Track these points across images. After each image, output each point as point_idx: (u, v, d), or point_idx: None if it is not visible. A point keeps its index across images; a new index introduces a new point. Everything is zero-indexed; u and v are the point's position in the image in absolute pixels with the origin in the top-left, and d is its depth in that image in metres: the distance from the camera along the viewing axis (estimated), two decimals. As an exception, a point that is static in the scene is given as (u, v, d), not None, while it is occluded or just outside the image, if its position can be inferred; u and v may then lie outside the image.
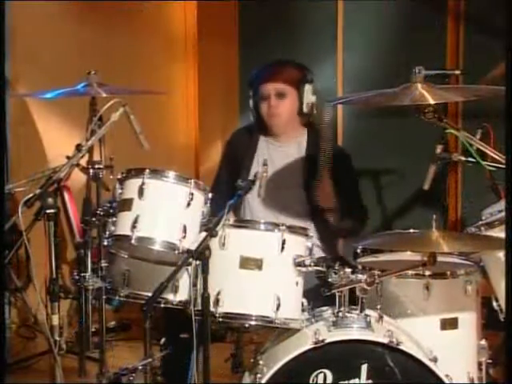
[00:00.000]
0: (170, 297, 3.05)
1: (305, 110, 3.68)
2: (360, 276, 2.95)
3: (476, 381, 3.21)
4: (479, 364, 3.23)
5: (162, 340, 3.47)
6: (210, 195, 3.08)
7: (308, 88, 3.67)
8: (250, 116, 3.79)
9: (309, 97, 3.67)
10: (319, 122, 3.73)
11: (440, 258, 2.95)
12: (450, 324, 3.17)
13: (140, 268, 3.12)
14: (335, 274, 2.98)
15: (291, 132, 3.75)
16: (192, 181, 3.04)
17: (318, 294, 3.10)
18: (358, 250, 3.39)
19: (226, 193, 3.40)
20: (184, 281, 3.00)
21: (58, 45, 5.33)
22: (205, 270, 2.78)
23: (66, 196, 4.45)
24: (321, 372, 2.83)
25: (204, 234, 2.88)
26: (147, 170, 3.02)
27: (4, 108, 2.94)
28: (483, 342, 3.25)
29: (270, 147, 3.75)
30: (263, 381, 2.82)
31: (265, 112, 3.68)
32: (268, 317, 2.93)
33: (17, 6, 5.15)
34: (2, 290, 2.85)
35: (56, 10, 5.40)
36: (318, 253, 3.49)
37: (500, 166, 2.96)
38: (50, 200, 2.86)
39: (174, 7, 6.17)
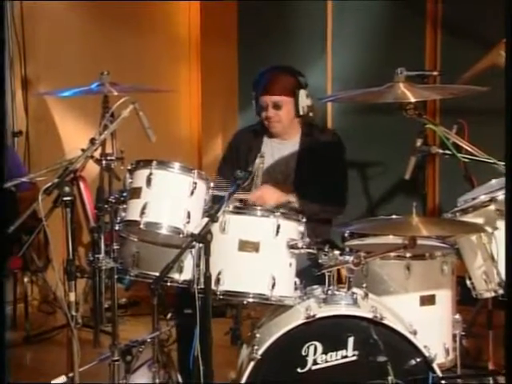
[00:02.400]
0: (176, 276, 3.05)
1: (301, 112, 3.67)
2: (347, 257, 2.96)
3: (451, 351, 3.23)
4: (454, 336, 3.24)
5: (169, 315, 3.48)
6: (211, 184, 3.09)
7: (302, 93, 3.65)
8: (248, 113, 3.79)
9: (304, 101, 3.66)
10: (313, 118, 3.74)
11: (419, 241, 2.96)
12: (428, 300, 3.19)
13: (148, 250, 3.12)
14: (325, 255, 2.98)
15: (290, 132, 3.75)
16: (195, 171, 3.03)
17: (309, 274, 3.11)
18: (346, 234, 3.41)
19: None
20: (188, 262, 3.01)
21: (74, 48, 5.33)
22: (207, 252, 2.78)
23: (82, 185, 4.45)
24: (312, 344, 2.84)
25: (206, 219, 2.88)
26: (154, 162, 3.02)
27: (4, 109, 2.91)
28: (457, 316, 3.26)
29: (272, 145, 3.75)
30: (260, 352, 2.83)
31: (264, 119, 3.70)
32: (264, 294, 2.93)
33: (38, 16, 5.16)
34: (3, 289, 2.81)
35: (72, 17, 5.40)
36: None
37: (473, 157, 2.97)
38: (67, 188, 2.86)
39: (178, 12, 6.15)
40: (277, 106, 3.66)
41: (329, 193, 3.60)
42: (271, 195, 3.52)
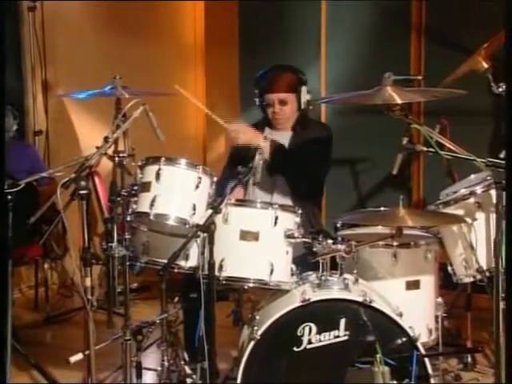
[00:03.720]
0: (182, 263, 3.05)
1: (302, 106, 3.67)
2: (339, 246, 2.96)
3: (433, 331, 3.23)
4: (436, 317, 3.25)
5: (176, 299, 3.48)
6: (214, 179, 3.08)
7: (304, 89, 3.66)
8: (249, 112, 3.79)
9: (305, 96, 3.66)
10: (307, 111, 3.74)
11: (405, 231, 2.96)
12: (413, 285, 3.19)
13: (157, 239, 3.12)
14: (319, 244, 2.99)
15: (291, 123, 3.73)
16: (200, 167, 3.03)
17: (304, 261, 3.12)
18: (338, 225, 3.40)
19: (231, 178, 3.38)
20: (193, 250, 3.01)
21: (89, 55, 5.31)
22: (211, 241, 2.78)
23: (96, 180, 4.45)
24: (307, 325, 2.84)
25: (210, 211, 2.87)
26: (163, 158, 3.01)
27: (4, 110, 2.89)
28: (439, 299, 3.26)
29: (272, 134, 3.70)
30: (259, 332, 2.83)
31: (270, 115, 3.69)
32: (263, 280, 2.93)
33: (57, 26, 5.16)
34: (6, 289, 2.85)
35: (87, 27, 5.40)
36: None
37: (455, 155, 2.96)
38: (83, 183, 2.85)
39: (185, 21, 6.15)
40: (282, 103, 3.65)
41: (310, 171, 3.56)
42: (247, 132, 3.53)
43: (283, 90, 3.64)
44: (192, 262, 3.04)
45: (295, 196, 3.55)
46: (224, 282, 2.92)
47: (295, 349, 2.83)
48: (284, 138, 3.70)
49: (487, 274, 3.07)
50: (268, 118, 3.72)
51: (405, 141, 3.01)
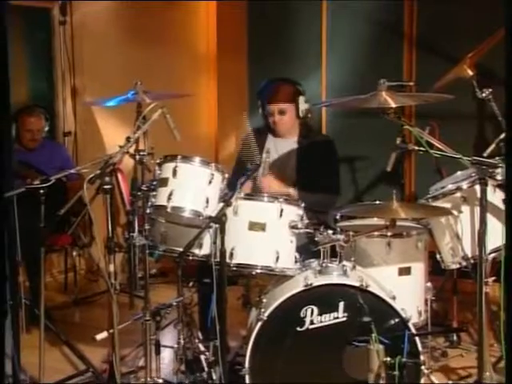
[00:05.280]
0: (196, 251, 3.04)
1: (301, 115, 3.64)
2: (339, 236, 2.95)
3: (423, 313, 3.21)
4: (426, 300, 3.23)
5: (191, 283, 3.47)
6: (226, 175, 3.07)
7: (301, 99, 3.63)
8: (256, 115, 3.77)
9: (303, 105, 3.63)
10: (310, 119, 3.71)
11: (398, 223, 2.95)
12: (405, 271, 3.18)
13: (174, 230, 3.10)
14: (320, 234, 2.98)
15: (291, 131, 3.70)
16: (213, 164, 3.03)
17: (307, 250, 3.11)
18: (337, 217, 3.39)
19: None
20: (207, 239, 2.99)
21: (113, 63, 5.31)
22: (222, 232, 2.76)
23: (119, 176, 4.43)
24: (309, 307, 2.83)
25: (222, 204, 2.87)
26: (179, 156, 3.01)
27: (9, 112, 2.88)
28: (429, 284, 3.24)
29: (276, 142, 3.71)
30: (266, 314, 2.82)
31: (271, 124, 3.67)
32: (270, 266, 2.93)
33: (84, 38, 5.16)
34: (4, 289, 2.80)
35: (111, 39, 5.40)
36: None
37: (443, 153, 2.94)
38: (107, 179, 2.84)
39: (199, 33, 6.13)
40: (282, 112, 3.63)
41: (325, 187, 3.56)
42: (273, 184, 3.49)
43: (282, 101, 3.62)
44: (205, 250, 3.03)
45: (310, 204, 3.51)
46: (234, 268, 2.92)
47: (298, 329, 2.82)
48: (286, 144, 3.69)
49: (472, 261, 3.05)
50: (270, 126, 3.70)
51: (398, 141, 3.00)
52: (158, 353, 3.20)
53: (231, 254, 2.88)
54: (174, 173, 2.98)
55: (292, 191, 3.52)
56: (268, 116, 3.67)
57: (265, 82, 3.73)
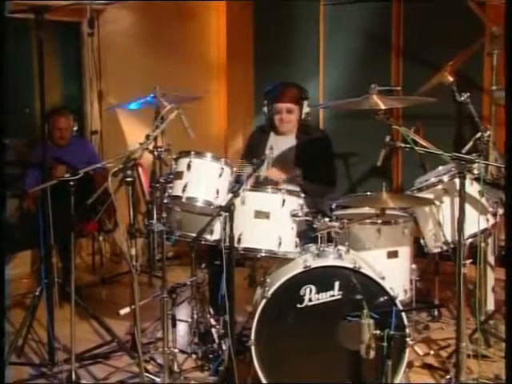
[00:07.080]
0: (208, 237, 3.03)
1: (303, 117, 3.62)
2: (334, 223, 2.94)
3: (408, 292, 3.21)
4: (411, 280, 3.22)
5: (203, 265, 3.47)
6: (234, 169, 3.06)
7: (305, 103, 3.60)
8: (261, 116, 3.75)
9: (306, 108, 3.61)
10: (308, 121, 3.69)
11: (387, 211, 2.94)
12: (393, 254, 3.17)
13: (188, 217, 3.10)
14: (318, 221, 2.96)
15: (292, 130, 3.68)
16: (223, 159, 3.03)
17: (306, 236, 3.10)
18: (333, 206, 3.38)
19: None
20: (217, 226, 2.98)
21: (134, 69, 5.28)
22: (231, 219, 2.75)
23: (140, 169, 4.41)
24: (308, 287, 2.82)
25: (230, 195, 2.85)
26: (193, 152, 3.01)
27: (4, 110, 2.85)
28: (414, 265, 3.24)
29: (277, 139, 3.68)
30: (269, 292, 2.81)
31: (278, 121, 3.62)
32: (273, 250, 2.92)
33: (109, 47, 5.15)
34: (2, 289, 2.71)
35: (132, 47, 5.37)
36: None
37: (427, 150, 2.93)
38: (129, 172, 2.82)
39: (210, 41, 6.09)
40: (289, 111, 3.60)
41: (323, 177, 3.54)
42: (277, 175, 3.47)
43: (291, 101, 3.58)
44: (216, 235, 3.02)
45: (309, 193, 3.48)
46: (241, 252, 2.91)
47: (298, 305, 2.82)
48: (286, 141, 3.66)
49: (451, 245, 3.04)
50: (274, 124, 3.66)
51: (387, 139, 2.99)
52: (174, 326, 3.21)
53: (239, 239, 2.87)
54: (189, 167, 2.98)
55: (298, 172, 3.48)
56: (275, 114, 3.62)
57: (274, 84, 3.69)
